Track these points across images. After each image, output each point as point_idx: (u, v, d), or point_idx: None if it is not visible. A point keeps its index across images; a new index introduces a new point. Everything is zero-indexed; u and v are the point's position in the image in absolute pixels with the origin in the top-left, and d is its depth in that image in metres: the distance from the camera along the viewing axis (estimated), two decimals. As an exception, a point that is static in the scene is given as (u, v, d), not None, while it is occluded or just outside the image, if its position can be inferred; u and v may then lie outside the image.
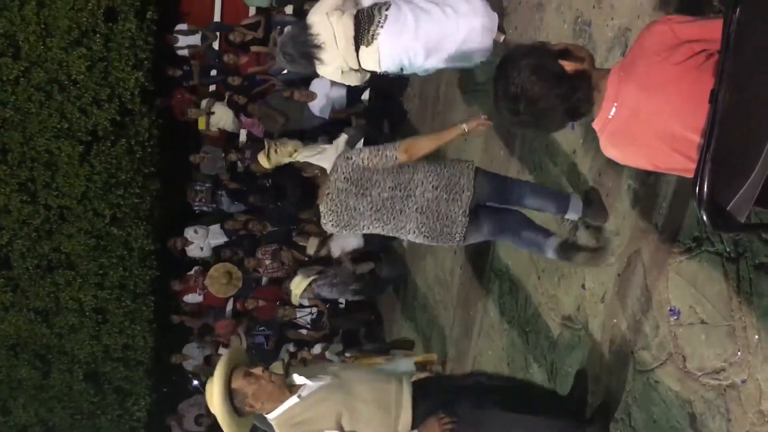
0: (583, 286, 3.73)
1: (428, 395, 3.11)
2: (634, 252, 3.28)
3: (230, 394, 2.90)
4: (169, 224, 8.79)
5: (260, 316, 8.55)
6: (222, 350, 8.21)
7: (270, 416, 2.93)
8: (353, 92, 7.79)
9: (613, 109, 1.72)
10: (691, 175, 1.61)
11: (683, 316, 2.89)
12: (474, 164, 3.57)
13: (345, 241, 7.48)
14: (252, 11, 8.89)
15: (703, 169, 1.50)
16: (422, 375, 3.69)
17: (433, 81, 6.47)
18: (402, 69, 4.66)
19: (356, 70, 4.66)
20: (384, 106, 7.99)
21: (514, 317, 4.61)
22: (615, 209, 3.50)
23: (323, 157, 4.48)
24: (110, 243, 8.17)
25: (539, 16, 4.59)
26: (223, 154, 8.78)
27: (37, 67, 7.53)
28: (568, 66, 1.76)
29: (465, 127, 3.40)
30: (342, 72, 4.64)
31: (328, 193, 3.47)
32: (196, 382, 9.04)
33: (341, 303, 8.75)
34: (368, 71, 4.69)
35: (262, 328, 8.34)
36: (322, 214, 3.53)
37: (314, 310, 8.29)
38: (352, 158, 3.45)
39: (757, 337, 2.49)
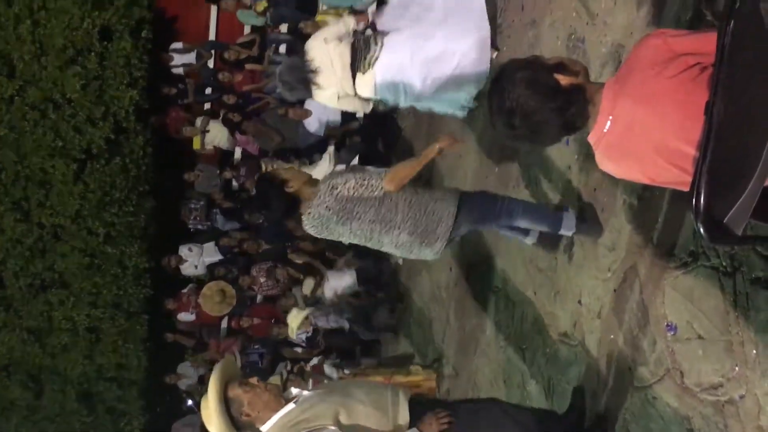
0: (579, 302, 3.72)
1: (424, 402, 3.13)
2: (630, 267, 3.27)
3: (226, 404, 2.87)
4: (164, 242, 8.76)
5: (255, 334, 8.50)
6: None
7: (265, 427, 2.90)
8: (348, 110, 7.81)
9: (608, 123, 1.72)
10: (686, 189, 1.61)
11: (680, 332, 2.88)
12: (457, 206, 3.57)
13: (338, 283, 7.51)
14: (247, 29, 8.93)
15: (700, 181, 1.50)
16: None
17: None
18: (397, 98, 4.72)
19: (353, 97, 4.74)
20: (378, 124, 8.00)
21: (510, 334, 4.58)
22: (610, 224, 3.50)
23: (317, 171, 4.63)
24: (104, 261, 8.13)
25: (533, 33, 4.62)
26: (218, 172, 8.77)
27: (31, 86, 7.53)
28: (563, 80, 1.76)
29: (438, 146, 3.48)
30: (339, 97, 4.73)
31: (309, 213, 3.55)
32: (190, 402, 8.95)
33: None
34: (364, 98, 4.77)
35: (256, 347, 8.29)
36: (303, 222, 3.63)
37: (309, 329, 8.24)
38: (337, 189, 3.50)
39: (754, 351, 2.48)
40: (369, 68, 4.56)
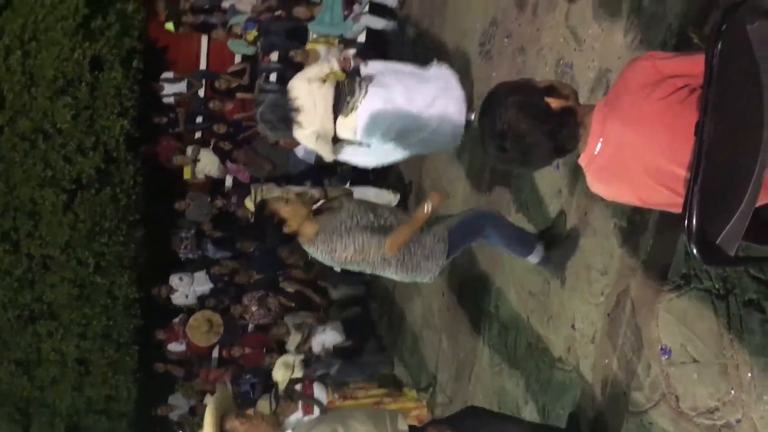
0: (573, 327, 3.69)
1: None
2: (623, 291, 3.26)
3: None
4: (154, 272, 8.70)
5: (246, 363, 8.42)
6: (208, 399, 8.04)
7: None
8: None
9: (599, 145, 1.72)
10: (678, 210, 1.61)
11: (675, 355, 2.86)
12: (447, 247, 3.73)
13: (325, 337, 7.50)
14: (237, 59, 8.99)
15: (692, 202, 1.49)
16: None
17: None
18: (377, 141, 4.86)
19: (330, 140, 4.86)
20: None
21: (504, 359, 4.55)
22: (602, 248, 3.49)
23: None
24: (94, 292, 8.07)
25: (521, 60, 4.66)
26: (209, 200, 8.75)
27: (22, 117, 7.53)
28: (554, 103, 1.76)
29: (428, 207, 3.57)
30: (317, 137, 4.81)
31: (310, 247, 3.64)
32: (181, 434, 8.83)
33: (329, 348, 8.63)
34: (343, 139, 4.88)
35: (248, 376, 8.20)
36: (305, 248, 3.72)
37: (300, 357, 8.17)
38: (335, 253, 3.58)
39: (750, 374, 2.46)
40: (352, 112, 4.69)
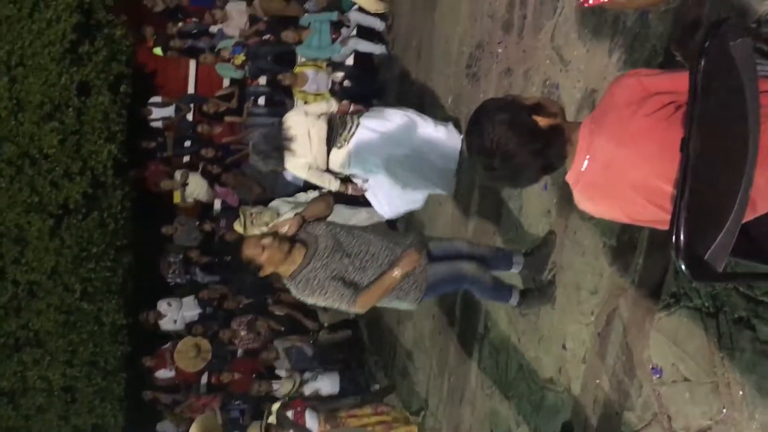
0: (563, 347, 3.67)
1: None
2: (613, 310, 3.25)
3: None
4: (142, 297, 8.62)
5: (236, 389, 8.32)
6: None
7: None
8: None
9: (586, 162, 1.71)
10: (665, 227, 1.60)
11: (666, 374, 2.84)
12: (424, 292, 3.73)
13: (319, 385, 7.48)
14: (226, 82, 9.01)
15: (679, 218, 1.49)
16: None
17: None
18: (368, 172, 5.07)
19: (322, 172, 5.01)
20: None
21: (495, 381, 4.52)
22: (592, 267, 3.49)
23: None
24: (80, 318, 7.97)
25: (508, 81, 4.69)
26: (198, 224, 8.71)
27: (8, 142, 7.48)
28: (542, 121, 1.75)
29: (398, 272, 3.55)
30: (309, 168, 4.96)
31: (290, 283, 3.60)
32: (169, 462, 8.68)
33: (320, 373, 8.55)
34: (335, 172, 5.04)
35: (237, 402, 8.10)
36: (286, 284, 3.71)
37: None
38: (309, 299, 3.59)
39: (741, 393, 2.44)
40: (345, 143, 4.88)
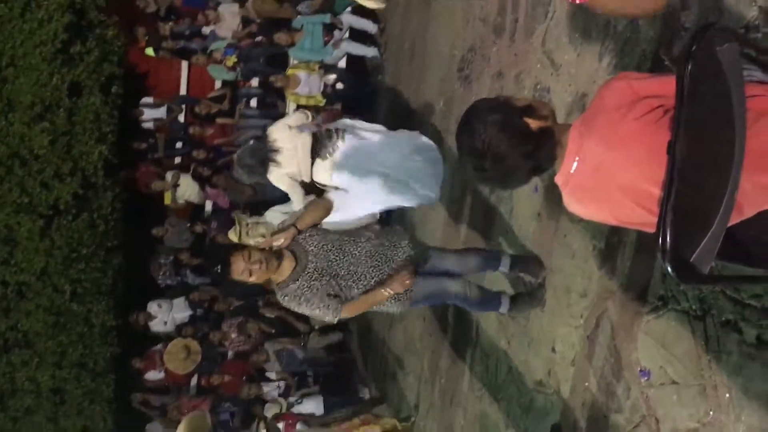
0: (553, 350, 3.69)
1: None
2: (602, 313, 3.27)
3: None
4: (132, 299, 8.59)
5: (226, 392, 8.29)
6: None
7: None
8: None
9: (575, 164, 1.73)
10: (653, 230, 1.61)
11: (654, 377, 2.86)
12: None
13: (303, 408, 7.49)
14: (218, 84, 9.00)
15: (665, 220, 1.50)
16: None
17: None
18: (351, 185, 4.90)
19: (301, 185, 4.95)
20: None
21: (485, 384, 4.53)
22: (581, 270, 3.50)
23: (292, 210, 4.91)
24: (70, 320, 7.93)
25: (499, 85, 4.71)
26: (189, 225, 8.69)
27: (-2, 142, 7.46)
28: (533, 123, 1.76)
29: (386, 293, 3.60)
30: (290, 179, 4.92)
31: (279, 292, 3.65)
32: (158, 465, 8.64)
33: (309, 375, 8.55)
34: (319, 184, 4.98)
35: (227, 405, 8.08)
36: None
37: (281, 383, 8.08)
38: (291, 304, 3.62)
39: (728, 395, 2.46)
40: (329, 156, 4.84)
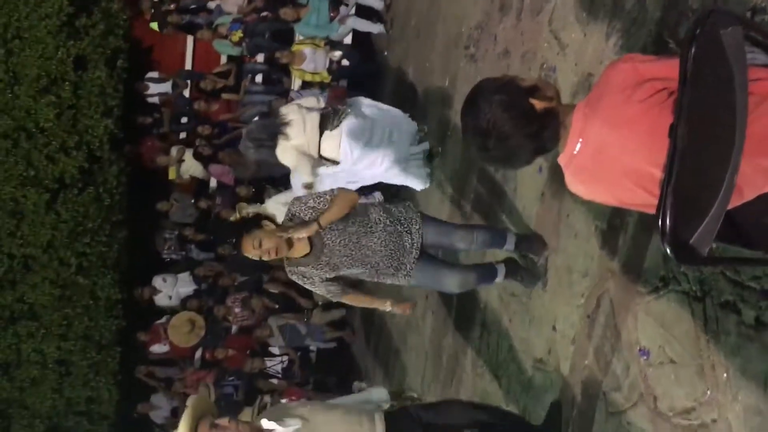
0: (554, 328, 3.72)
1: (402, 428, 3.09)
2: (603, 293, 3.29)
3: None
4: (137, 273, 8.65)
5: (230, 365, 8.38)
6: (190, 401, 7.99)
7: None
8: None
9: (578, 145, 1.74)
10: (653, 211, 1.63)
11: (653, 356, 2.89)
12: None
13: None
14: (223, 59, 8.97)
15: (665, 202, 1.52)
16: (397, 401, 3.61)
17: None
18: (357, 155, 5.32)
19: (309, 158, 5.24)
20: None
21: (486, 362, 4.57)
22: (583, 250, 3.53)
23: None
24: (76, 293, 8.00)
25: (505, 63, 4.69)
26: (193, 200, 8.71)
27: (4, 115, 7.46)
28: (538, 104, 1.77)
29: (389, 308, 3.96)
30: (297, 152, 5.19)
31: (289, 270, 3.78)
32: (163, 436, 8.77)
33: (312, 351, 8.63)
34: (325, 158, 5.32)
35: (231, 378, 8.17)
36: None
37: (285, 358, 8.17)
38: (297, 281, 3.77)
39: (725, 375, 2.49)
40: (337, 127, 5.19)
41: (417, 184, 5.78)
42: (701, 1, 2.74)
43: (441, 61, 6.08)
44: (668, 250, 1.53)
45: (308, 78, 7.92)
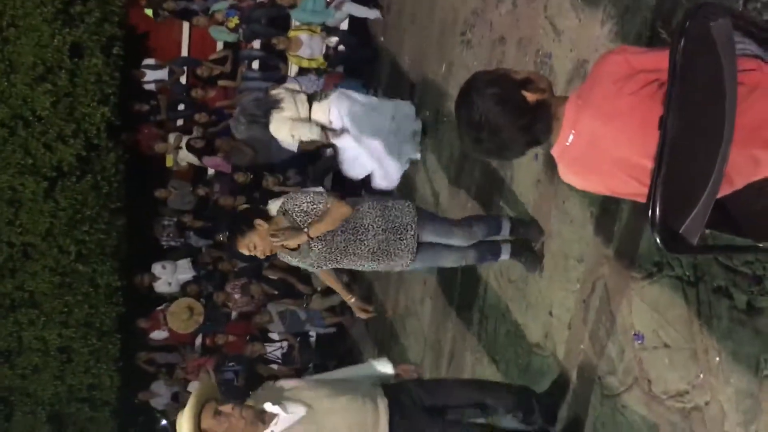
0: (550, 313, 3.77)
1: (405, 413, 3.13)
2: (598, 278, 3.33)
3: None
4: (137, 260, 8.68)
5: (230, 351, 8.44)
6: (191, 387, 8.07)
7: None
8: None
9: (571, 137, 1.76)
10: (644, 200, 1.66)
11: (647, 341, 2.93)
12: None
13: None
14: (219, 46, 8.94)
15: (655, 193, 1.55)
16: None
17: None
18: (348, 118, 5.81)
19: (303, 122, 5.78)
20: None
21: (484, 347, 4.62)
22: (579, 236, 3.56)
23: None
24: (75, 280, 8.04)
25: (501, 50, 4.70)
26: (191, 187, 8.72)
27: (0, 104, 7.45)
28: (531, 97, 1.79)
29: (350, 303, 4.17)
30: (291, 120, 5.73)
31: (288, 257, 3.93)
32: (164, 422, 8.85)
33: (312, 336, 8.68)
34: (316, 123, 5.83)
35: (231, 364, 8.23)
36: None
37: (285, 344, 8.22)
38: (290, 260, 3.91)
39: (717, 359, 2.54)
40: (325, 99, 5.81)
41: (410, 153, 6.06)
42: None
43: (437, 47, 6.08)
44: (658, 240, 1.56)
45: (305, 64, 7.91)
